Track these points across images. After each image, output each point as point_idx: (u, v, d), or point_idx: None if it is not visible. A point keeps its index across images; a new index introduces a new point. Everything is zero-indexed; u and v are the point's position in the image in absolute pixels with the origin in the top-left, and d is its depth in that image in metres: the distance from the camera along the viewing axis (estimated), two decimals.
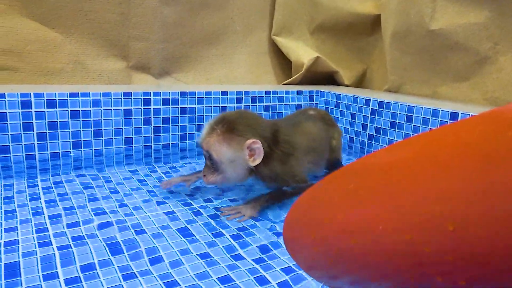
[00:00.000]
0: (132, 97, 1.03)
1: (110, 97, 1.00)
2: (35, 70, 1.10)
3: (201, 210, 0.75)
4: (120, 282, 0.51)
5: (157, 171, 1.00)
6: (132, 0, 1.17)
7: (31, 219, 0.69)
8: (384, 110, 1.09)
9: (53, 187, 0.84)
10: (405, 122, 1.03)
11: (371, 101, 1.13)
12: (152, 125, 1.08)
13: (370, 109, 1.14)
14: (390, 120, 1.08)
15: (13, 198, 0.77)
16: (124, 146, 1.05)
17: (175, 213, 0.74)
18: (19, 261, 0.55)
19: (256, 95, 1.17)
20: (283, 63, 1.53)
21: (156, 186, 0.88)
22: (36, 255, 0.57)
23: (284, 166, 0.72)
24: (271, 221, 0.71)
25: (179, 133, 1.11)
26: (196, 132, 1.14)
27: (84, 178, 0.92)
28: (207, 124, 0.71)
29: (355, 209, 0.24)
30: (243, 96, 1.15)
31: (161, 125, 1.08)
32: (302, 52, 1.44)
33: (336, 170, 0.28)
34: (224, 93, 1.12)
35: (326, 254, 0.26)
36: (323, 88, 1.35)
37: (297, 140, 0.78)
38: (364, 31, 1.52)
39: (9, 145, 0.90)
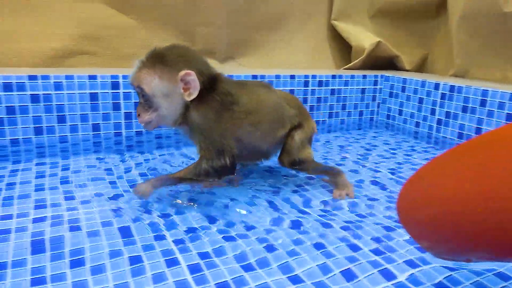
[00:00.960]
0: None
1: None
2: (112, 55, 1.12)
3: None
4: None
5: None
6: None
7: None
8: (455, 94, 1.07)
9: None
10: (478, 107, 1.02)
11: (441, 85, 1.11)
12: None
13: (440, 93, 1.12)
14: (462, 104, 1.06)
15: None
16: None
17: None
18: None
19: (322, 79, 1.17)
20: (341, 48, 1.48)
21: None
22: None
23: (214, 120, 0.61)
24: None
25: None
26: None
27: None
28: (139, 59, 0.62)
29: (485, 179, 0.26)
30: (310, 79, 1.15)
31: None
32: (363, 37, 1.39)
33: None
34: (292, 77, 1.13)
35: (450, 224, 0.30)
36: (387, 73, 1.31)
37: (242, 98, 0.64)
38: (427, 15, 1.46)
39: None
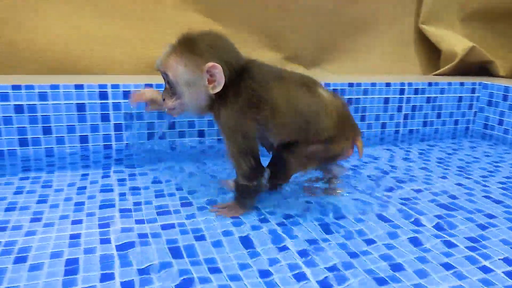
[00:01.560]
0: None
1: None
2: None
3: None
4: None
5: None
6: None
7: None
8: None
9: None
10: None
11: None
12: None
13: None
14: None
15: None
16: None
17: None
18: None
19: (418, 87, 1.15)
20: (429, 53, 1.43)
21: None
22: None
23: (239, 122, 0.59)
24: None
25: None
26: None
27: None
28: (168, 44, 0.60)
29: None
30: (406, 87, 1.14)
31: None
32: (455, 41, 1.34)
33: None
34: (388, 85, 1.13)
35: None
36: (486, 80, 1.24)
37: (270, 95, 0.60)
38: None
39: None
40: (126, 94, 0.90)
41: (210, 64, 0.56)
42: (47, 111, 0.86)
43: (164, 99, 0.61)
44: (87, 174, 0.80)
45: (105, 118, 0.90)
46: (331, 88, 1.07)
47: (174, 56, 0.58)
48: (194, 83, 0.59)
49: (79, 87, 0.87)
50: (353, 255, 0.54)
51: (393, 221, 0.63)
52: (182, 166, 0.85)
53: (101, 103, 0.89)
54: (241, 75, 0.59)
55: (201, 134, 0.98)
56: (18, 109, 0.84)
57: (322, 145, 0.62)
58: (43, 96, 0.85)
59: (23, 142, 0.86)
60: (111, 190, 0.72)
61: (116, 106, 0.90)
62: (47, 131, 0.88)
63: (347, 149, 0.65)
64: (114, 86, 0.89)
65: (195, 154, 0.94)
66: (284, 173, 0.65)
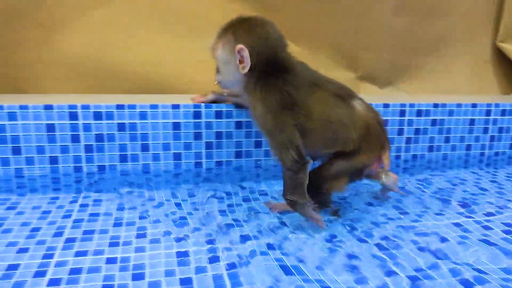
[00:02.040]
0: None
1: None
2: None
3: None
4: None
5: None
6: (366, 12, 1.22)
7: None
8: None
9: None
10: None
11: None
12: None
13: None
14: None
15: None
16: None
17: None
18: None
19: (506, 108, 1.12)
20: (508, 72, 1.41)
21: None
22: None
23: (272, 116, 0.63)
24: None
25: None
26: None
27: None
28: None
29: None
30: (492, 108, 1.11)
31: None
32: None
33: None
34: (474, 105, 1.10)
35: None
36: None
37: (301, 100, 0.64)
38: None
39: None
40: (219, 114, 0.93)
41: (240, 46, 0.63)
42: (146, 129, 0.91)
43: (216, 74, 0.72)
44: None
45: (198, 136, 0.93)
46: (415, 108, 1.06)
47: (218, 39, 0.67)
48: (229, 63, 0.66)
49: (175, 107, 0.91)
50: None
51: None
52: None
53: (194, 122, 0.92)
54: (276, 70, 0.64)
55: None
56: (121, 127, 0.89)
57: (346, 160, 0.65)
58: (143, 115, 0.90)
59: (123, 158, 0.91)
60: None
61: (209, 125, 0.93)
62: (145, 147, 0.92)
63: (372, 161, 0.68)
64: (207, 106, 0.92)
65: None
66: (321, 196, 0.67)
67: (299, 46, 1.24)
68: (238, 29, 0.65)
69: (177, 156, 0.94)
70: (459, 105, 1.09)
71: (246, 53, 0.63)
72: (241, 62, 0.64)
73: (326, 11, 1.24)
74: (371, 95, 1.29)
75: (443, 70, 1.42)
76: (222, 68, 0.69)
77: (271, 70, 0.64)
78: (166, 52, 1.16)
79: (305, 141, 0.63)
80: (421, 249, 0.61)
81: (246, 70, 0.64)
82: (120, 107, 0.89)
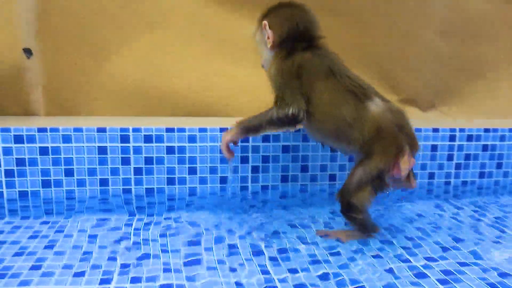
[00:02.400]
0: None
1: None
2: None
3: None
4: None
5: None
6: (410, 34, 1.23)
7: None
8: None
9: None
10: None
11: None
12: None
13: None
14: None
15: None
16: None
17: None
18: None
19: None
20: None
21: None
22: None
23: (288, 77, 0.68)
24: None
25: None
26: None
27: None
28: None
29: None
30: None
31: None
32: None
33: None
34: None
35: None
36: None
37: (315, 89, 0.68)
38: None
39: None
40: (266, 137, 0.92)
41: (264, 22, 0.70)
42: (194, 152, 0.91)
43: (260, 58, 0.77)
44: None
45: (244, 160, 0.93)
46: (466, 133, 1.02)
47: (256, 24, 0.74)
48: (261, 39, 0.73)
49: (224, 130, 0.91)
50: None
51: None
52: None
53: (241, 145, 0.92)
54: (299, 49, 0.69)
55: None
56: (170, 150, 0.90)
57: (362, 167, 0.64)
58: (191, 139, 0.90)
59: (171, 181, 0.92)
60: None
61: (255, 149, 0.92)
62: (192, 171, 0.92)
63: (388, 166, 0.64)
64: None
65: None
66: (353, 213, 0.66)
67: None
68: (270, 12, 0.72)
69: (222, 180, 0.93)
70: (511, 130, 1.04)
71: (268, 29, 0.70)
72: (268, 38, 0.70)
73: (369, 34, 1.24)
74: (414, 118, 1.26)
75: (487, 94, 1.39)
76: (259, 46, 0.75)
77: (295, 48, 0.69)
78: (214, 77, 1.18)
79: (312, 127, 0.69)
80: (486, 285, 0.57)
81: (270, 44, 0.71)
82: (169, 130, 0.89)
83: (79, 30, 1.10)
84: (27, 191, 0.88)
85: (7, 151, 0.85)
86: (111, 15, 1.11)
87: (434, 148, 1.01)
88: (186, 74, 1.16)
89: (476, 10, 1.30)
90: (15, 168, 0.87)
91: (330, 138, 0.69)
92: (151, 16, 1.15)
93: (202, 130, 0.90)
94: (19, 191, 0.88)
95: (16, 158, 0.86)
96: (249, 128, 0.71)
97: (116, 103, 1.15)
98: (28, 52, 1.04)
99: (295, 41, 0.69)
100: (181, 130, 0.90)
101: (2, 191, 0.87)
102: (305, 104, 0.66)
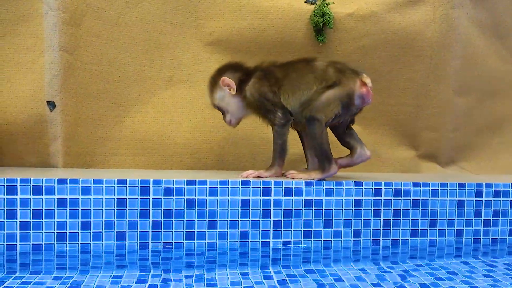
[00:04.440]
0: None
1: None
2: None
3: None
4: None
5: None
6: (428, 93, 1.26)
7: None
8: None
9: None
10: None
11: None
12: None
13: None
14: None
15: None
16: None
17: None
18: None
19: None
20: None
21: None
22: None
23: (256, 91, 0.92)
24: None
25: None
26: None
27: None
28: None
29: None
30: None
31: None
32: None
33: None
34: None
35: None
36: None
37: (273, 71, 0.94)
38: None
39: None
40: (288, 191, 0.90)
41: (220, 80, 0.93)
42: (215, 206, 0.88)
43: (225, 121, 0.99)
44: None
45: (265, 214, 0.90)
46: (493, 189, 0.99)
47: (210, 93, 0.98)
48: (225, 97, 0.96)
49: (245, 183, 0.89)
50: None
51: None
52: None
53: (262, 199, 0.89)
54: (249, 71, 0.96)
55: None
56: (190, 203, 0.88)
57: (332, 89, 0.85)
58: (212, 191, 0.88)
59: (190, 236, 0.88)
60: None
61: (277, 203, 0.90)
62: (211, 225, 0.89)
63: (356, 88, 0.87)
64: (277, 183, 0.89)
65: None
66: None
67: (361, 125, 1.24)
68: (213, 77, 0.96)
69: (243, 235, 0.90)
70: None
71: (227, 80, 0.93)
72: (230, 89, 0.93)
73: (387, 90, 1.25)
74: (434, 174, 1.24)
75: (504, 149, 1.39)
76: (224, 105, 0.96)
77: (244, 77, 0.94)
78: (230, 131, 1.18)
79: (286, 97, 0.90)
80: None
81: (234, 89, 0.93)
82: (190, 182, 0.87)
83: (101, 85, 1.12)
84: (41, 244, 0.85)
85: (24, 203, 0.83)
86: (133, 71, 1.14)
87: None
88: (203, 128, 1.16)
89: (491, 69, 1.32)
90: (31, 220, 0.84)
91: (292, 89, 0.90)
92: (172, 72, 1.18)
93: (223, 183, 0.88)
94: (33, 244, 0.84)
95: (33, 209, 0.84)
96: (281, 158, 0.94)
97: (135, 157, 1.15)
98: (51, 105, 1.05)
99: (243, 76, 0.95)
100: (202, 182, 0.88)
101: (16, 244, 0.83)
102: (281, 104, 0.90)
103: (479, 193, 0.99)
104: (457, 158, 1.35)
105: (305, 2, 1.23)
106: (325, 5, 1.20)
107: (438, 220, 0.97)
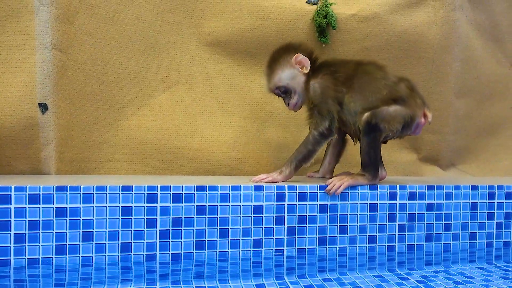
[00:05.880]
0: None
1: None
2: None
3: None
4: None
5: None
6: (430, 95, 1.25)
7: None
8: None
9: None
10: None
11: None
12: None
13: None
14: None
15: None
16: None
17: None
18: None
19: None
20: None
21: None
22: None
23: (322, 83, 0.86)
24: None
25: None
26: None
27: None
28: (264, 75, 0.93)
29: None
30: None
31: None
32: None
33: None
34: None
35: None
36: None
37: (338, 64, 0.90)
38: None
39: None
40: (302, 196, 0.86)
41: (296, 55, 0.88)
42: (226, 213, 0.84)
43: (288, 104, 0.90)
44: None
45: (279, 221, 0.86)
46: (504, 190, 0.98)
47: (273, 74, 0.91)
48: (294, 75, 0.88)
49: (258, 188, 0.84)
50: None
51: None
52: None
53: (276, 204, 0.85)
54: (319, 65, 0.91)
55: None
56: (200, 210, 0.83)
57: (399, 105, 0.83)
58: (224, 198, 0.83)
59: (200, 246, 0.83)
60: None
61: (291, 209, 0.86)
62: (223, 233, 0.84)
63: (419, 116, 0.87)
64: (291, 188, 0.86)
65: None
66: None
67: None
68: (278, 54, 0.89)
69: (257, 243, 0.85)
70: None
71: (301, 57, 0.86)
72: (302, 66, 0.87)
73: None
74: (435, 176, 1.23)
75: (505, 152, 1.40)
76: (294, 85, 0.88)
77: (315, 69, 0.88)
78: (231, 134, 1.14)
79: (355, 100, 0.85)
80: None
81: (308, 67, 0.87)
82: (200, 188, 0.82)
83: (96, 87, 1.06)
84: (38, 258, 0.77)
85: (19, 213, 0.76)
86: (129, 72, 1.08)
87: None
88: (202, 132, 1.12)
89: (489, 72, 1.33)
90: (26, 232, 0.77)
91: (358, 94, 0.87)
92: (170, 74, 1.13)
93: (235, 188, 0.84)
94: (28, 258, 0.77)
95: (29, 220, 0.77)
96: (300, 165, 0.88)
97: (132, 162, 1.09)
98: (43, 107, 0.98)
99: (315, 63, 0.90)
100: (213, 188, 0.83)
101: (10, 259, 0.76)
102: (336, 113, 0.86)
103: (491, 195, 0.98)
104: (457, 160, 1.36)
105: (306, 2, 1.20)
106: (327, 5, 1.18)
107: (452, 224, 0.95)
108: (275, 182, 0.87)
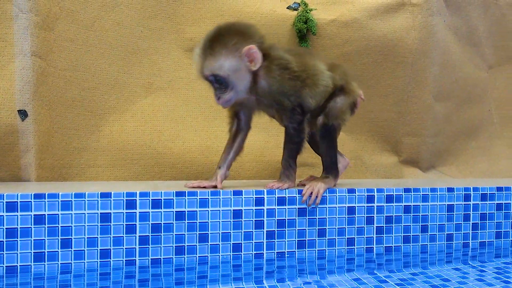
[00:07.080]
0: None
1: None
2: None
3: None
4: None
5: None
6: (410, 99, 1.27)
7: None
8: None
9: None
10: None
11: None
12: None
13: None
14: None
15: None
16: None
17: None
18: None
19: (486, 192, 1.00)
20: None
21: None
22: None
23: (280, 80, 0.76)
24: None
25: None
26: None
27: None
28: (197, 51, 0.74)
29: None
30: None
31: None
32: None
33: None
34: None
35: None
36: None
37: (291, 59, 0.79)
38: None
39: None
40: (281, 200, 0.87)
41: (247, 47, 0.72)
42: (205, 218, 0.84)
43: (218, 98, 0.74)
44: None
45: (258, 225, 0.87)
46: (480, 192, 1.01)
47: (214, 58, 0.72)
48: (240, 68, 0.73)
49: (237, 193, 0.85)
50: None
51: None
52: None
53: (255, 209, 0.86)
54: (268, 51, 0.77)
55: None
56: (179, 215, 0.83)
57: (343, 96, 0.84)
58: (203, 203, 0.84)
59: (179, 251, 0.83)
60: None
61: (270, 213, 0.87)
62: (202, 238, 0.85)
63: (360, 92, 0.89)
64: (269, 192, 0.87)
65: None
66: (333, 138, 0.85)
67: (343, 131, 1.23)
68: (229, 37, 0.71)
69: (236, 247, 0.86)
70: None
71: (255, 50, 0.72)
72: (250, 61, 0.72)
73: (370, 96, 1.26)
74: (416, 179, 1.25)
75: (483, 154, 1.44)
76: (233, 79, 0.72)
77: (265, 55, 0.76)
78: (213, 139, 1.15)
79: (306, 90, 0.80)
80: None
81: (259, 63, 0.73)
82: (179, 194, 0.83)
83: (77, 93, 1.06)
84: (16, 266, 0.77)
85: None
86: (110, 78, 1.09)
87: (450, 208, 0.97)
88: (184, 137, 1.12)
89: (466, 76, 1.36)
90: (4, 240, 0.77)
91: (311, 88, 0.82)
92: (152, 79, 1.13)
93: (214, 193, 0.84)
94: (6, 266, 0.77)
95: (6, 228, 0.77)
96: (295, 159, 0.84)
97: (114, 168, 1.09)
98: (23, 114, 0.98)
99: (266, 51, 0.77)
100: (192, 193, 0.84)
101: None
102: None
103: (467, 197, 1.00)
104: (437, 163, 1.38)
105: (287, 8, 1.22)
106: (307, 11, 1.20)
107: (429, 225, 0.97)
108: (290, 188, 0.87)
